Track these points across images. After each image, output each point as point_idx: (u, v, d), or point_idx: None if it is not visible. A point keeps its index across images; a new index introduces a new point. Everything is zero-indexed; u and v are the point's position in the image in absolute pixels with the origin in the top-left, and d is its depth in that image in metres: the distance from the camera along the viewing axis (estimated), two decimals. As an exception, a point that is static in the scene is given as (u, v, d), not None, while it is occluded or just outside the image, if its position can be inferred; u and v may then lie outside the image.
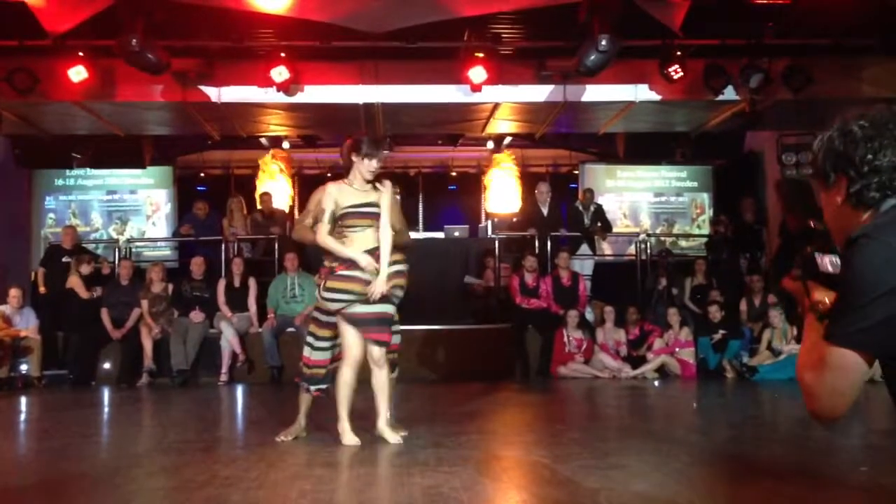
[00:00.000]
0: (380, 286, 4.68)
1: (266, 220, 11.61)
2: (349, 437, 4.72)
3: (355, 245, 4.73)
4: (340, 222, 4.76)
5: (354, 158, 4.76)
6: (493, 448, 4.89)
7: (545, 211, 10.98)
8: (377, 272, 4.72)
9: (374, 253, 4.75)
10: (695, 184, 13.48)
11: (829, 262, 1.61)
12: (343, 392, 4.76)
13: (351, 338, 4.75)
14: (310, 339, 5.03)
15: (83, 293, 9.91)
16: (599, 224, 11.31)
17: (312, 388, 5.01)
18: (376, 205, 4.78)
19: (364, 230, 4.75)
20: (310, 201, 5.18)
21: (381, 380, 4.80)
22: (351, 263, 4.70)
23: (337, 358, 4.97)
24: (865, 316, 1.46)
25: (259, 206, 12.15)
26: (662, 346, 9.59)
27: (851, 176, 1.56)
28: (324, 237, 4.76)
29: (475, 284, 10.79)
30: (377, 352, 4.76)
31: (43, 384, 9.41)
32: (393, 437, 4.76)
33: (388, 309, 4.81)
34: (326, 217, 4.74)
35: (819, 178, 1.66)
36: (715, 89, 9.53)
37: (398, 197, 5.69)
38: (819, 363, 1.55)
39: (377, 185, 4.84)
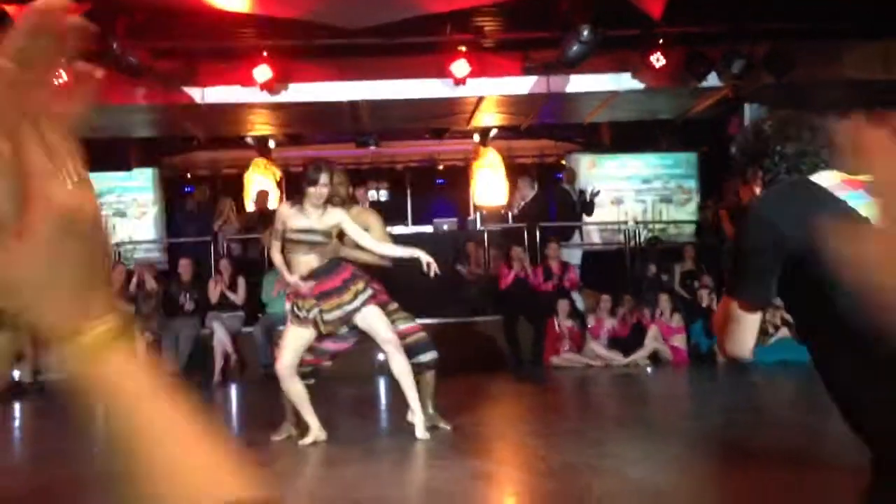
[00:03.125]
0: (425, 258, 4.79)
1: (263, 217, 11.61)
2: (309, 438, 4.77)
3: (294, 266, 4.85)
4: (285, 242, 4.89)
5: (305, 187, 4.86)
6: (487, 440, 4.92)
7: (520, 204, 11.22)
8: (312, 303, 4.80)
9: (317, 273, 4.82)
10: (681, 170, 13.53)
11: None
12: (300, 402, 4.84)
13: (291, 341, 4.87)
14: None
15: None
16: (587, 196, 11.51)
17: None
18: (319, 232, 4.85)
19: (305, 255, 4.85)
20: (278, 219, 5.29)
21: (399, 368, 4.84)
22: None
23: (328, 356, 5.00)
24: (744, 271, 1.73)
25: (254, 205, 12.12)
26: (656, 334, 9.63)
27: (766, 165, 1.85)
28: (274, 255, 4.94)
29: (467, 270, 10.84)
30: (390, 344, 4.84)
31: (35, 389, 9.37)
32: (442, 424, 4.85)
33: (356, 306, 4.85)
34: (277, 235, 4.90)
35: (740, 175, 1.94)
36: (697, 76, 9.55)
37: (374, 212, 5.65)
38: (724, 313, 1.81)
39: (330, 211, 4.89)
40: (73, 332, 0.57)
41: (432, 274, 4.78)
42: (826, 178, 1.74)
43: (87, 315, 0.57)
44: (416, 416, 4.74)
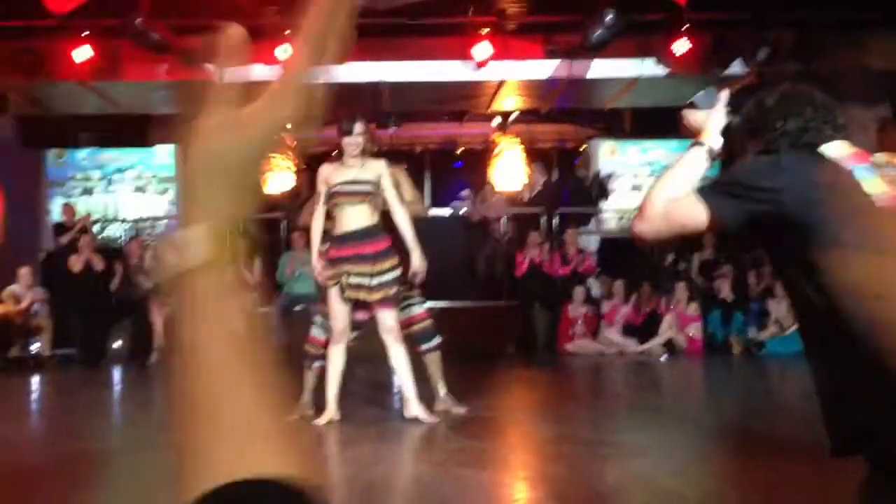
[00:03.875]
0: (417, 266, 4.73)
1: (292, 198, 11.64)
2: (321, 421, 4.73)
3: (344, 222, 4.75)
4: (331, 200, 4.79)
5: (340, 140, 4.81)
6: (500, 426, 4.93)
7: (535, 191, 11.22)
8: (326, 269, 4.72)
9: (360, 234, 4.73)
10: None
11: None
12: (332, 375, 4.78)
13: (337, 309, 4.75)
14: (317, 318, 5.06)
15: (75, 267, 9.94)
16: (600, 179, 11.51)
17: (316, 364, 5.05)
18: (367, 182, 4.77)
19: (353, 206, 4.76)
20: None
21: (398, 360, 4.78)
22: (339, 247, 4.72)
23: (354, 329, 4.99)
24: (727, 193, 1.75)
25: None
26: (671, 322, 9.59)
27: (766, 140, 1.85)
28: (315, 223, 4.84)
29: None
30: (387, 321, 4.74)
31: (54, 363, 9.48)
32: (426, 417, 4.73)
33: (385, 294, 4.76)
34: (321, 198, 4.81)
35: (739, 146, 1.96)
36: (722, 63, 9.45)
37: (404, 168, 5.62)
38: (673, 198, 1.83)
39: (370, 163, 4.83)
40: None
41: (417, 282, 4.78)
42: (835, 149, 1.76)
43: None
44: (413, 404, 4.73)
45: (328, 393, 4.77)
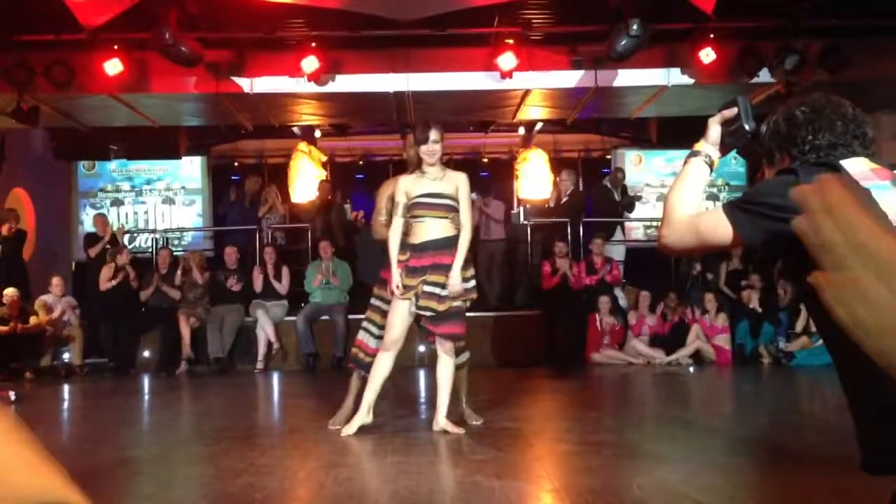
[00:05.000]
0: (454, 285, 4.63)
1: (323, 208, 11.74)
2: (351, 428, 4.70)
3: (424, 233, 4.70)
4: (410, 212, 4.73)
5: (417, 149, 4.75)
6: (526, 436, 4.91)
7: (564, 199, 11.22)
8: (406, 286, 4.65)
9: (441, 244, 4.68)
10: (728, 167, 13.33)
11: None
12: (375, 381, 4.74)
13: (396, 318, 4.69)
14: (370, 326, 5.04)
15: (104, 284, 10.03)
16: (630, 198, 11.54)
17: (365, 373, 5.01)
18: (448, 196, 4.72)
19: (435, 220, 4.70)
20: (378, 198, 5.24)
21: (446, 371, 4.74)
22: (419, 256, 4.67)
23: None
24: (752, 212, 1.73)
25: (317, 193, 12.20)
26: (699, 333, 9.51)
27: (794, 154, 1.83)
28: (392, 234, 4.75)
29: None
30: (448, 344, 4.74)
31: (84, 372, 9.60)
32: (453, 429, 4.71)
33: (459, 303, 4.75)
34: (399, 210, 4.74)
35: (767, 158, 1.93)
36: (749, 72, 9.39)
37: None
38: (698, 211, 1.89)
39: (451, 174, 4.78)
40: None
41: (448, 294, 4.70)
42: (855, 165, 1.75)
43: None
44: (441, 417, 4.72)
45: (366, 398, 4.74)
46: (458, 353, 4.90)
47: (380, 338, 4.91)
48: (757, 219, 1.74)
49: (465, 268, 4.72)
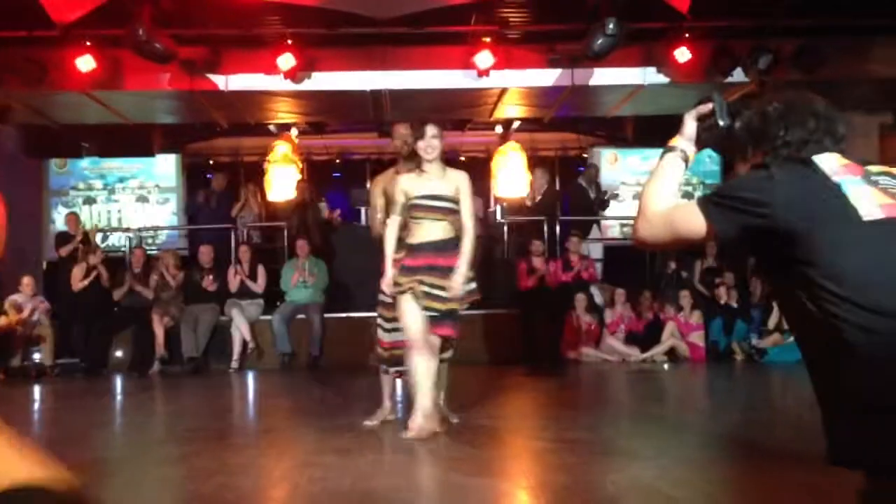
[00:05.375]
0: (456, 286, 4.53)
1: (301, 207, 11.69)
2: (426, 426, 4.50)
3: (421, 233, 4.61)
4: (409, 212, 4.64)
5: (414, 146, 4.67)
6: (502, 434, 4.92)
7: (538, 197, 11.26)
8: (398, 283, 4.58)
9: (438, 245, 4.60)
10: (703, 166, 13.42)
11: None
12: (420, 383, 4.53)
13: (409, 316, 4.57)
14: (381, 321, 4.98)
15: (76, 284, 9.91)
16: (605, 195, 11.58)
17: (392, 369, 4.99)
18: (448, 199, 4.62)
19: (433, 222, 4.61)
20: (371, 195, 5.20)
21: (433, 370, 4.61)
22: (414, 256, 4.59)
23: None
24: (726, 206, 1.76)
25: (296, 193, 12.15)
26: (673, 330, 9.57)
27: (766, 150, 1.87)
28: (388, 232, 4.69)
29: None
30: (436, 342, 4.62)
31: (56, 373, 9.48)
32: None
33: (455, 306, 4.64)
34: (397, 209, 4.66)
35: (739, 153, 1.97)
36: (723, 71, 9.46)
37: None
38: (673, 205, 1.90)
39: (451, 174, 4.68)
40: None
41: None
42: (827, 161, 1.78)
43: None
44: (419, 416, 4.54)
45: (420, 403, 4.50)
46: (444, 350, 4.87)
47: (394, 330, 4.83)
48: (730, 212, 1.76)
49: (446, 276, 4.58)
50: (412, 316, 4.54)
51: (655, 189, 1.95)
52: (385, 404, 5.08)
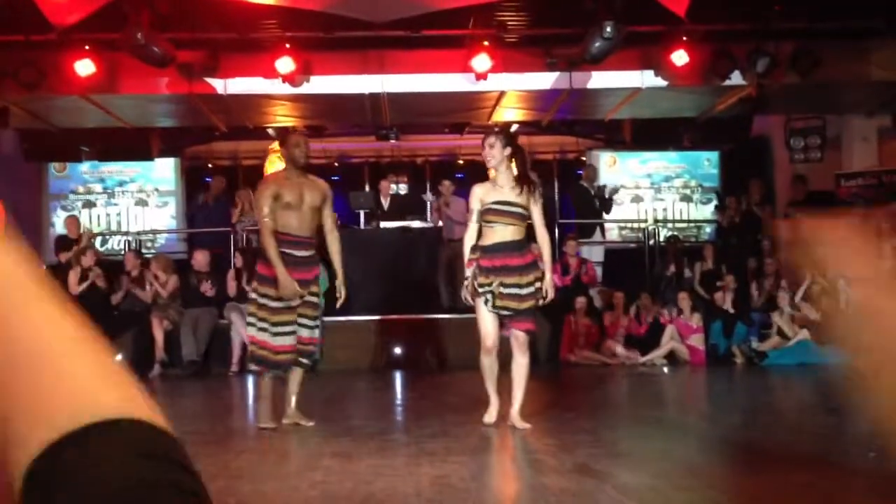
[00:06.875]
0: (549, 288, 4.96)
1: None
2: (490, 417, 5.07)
3: (495, 236, 4.95)
4: (483, 217, 4.98)
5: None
6: (501, 437, 4.92)
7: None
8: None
9: (510, 246, 4.93)
10: (702, 169, 13.44)
11: None
12: (489, 380, 5.14)
13: (487, 322, 4.96)
14: (252, 320, 5.08)
15: (73, 289, 9.90)
16: (606, 193, 11.57)
17: (256, 367, 5.16)
18: (520, 206, 4.97)
19: (508, 226, 4.96)
20: (257, 198, 5.41)
21: (522, 369, 5.06)
22: (489, 257, 4.90)
23: (303, 342, 5.08)
24: None
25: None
26: (673, 333, 9.57)
27: None
28: (467, 237, 5.06)
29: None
30: (522, 337, 5.03)
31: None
32: (522, 424, 4.94)
33: (531, 304, 5.00)
34: (474, 217, 5.01)
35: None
36: (721, 74, 9.47)
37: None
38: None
39: (526, 186, 5.01)
40: None
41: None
42: None
43: None
44: (515, 414, 5.03)
45: (490, 392, 5.15)
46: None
47: (283, 334, 5.00)
48: None
49: (532, 271, 4.96)
50: (488, 322, 4.98)
51: None
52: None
